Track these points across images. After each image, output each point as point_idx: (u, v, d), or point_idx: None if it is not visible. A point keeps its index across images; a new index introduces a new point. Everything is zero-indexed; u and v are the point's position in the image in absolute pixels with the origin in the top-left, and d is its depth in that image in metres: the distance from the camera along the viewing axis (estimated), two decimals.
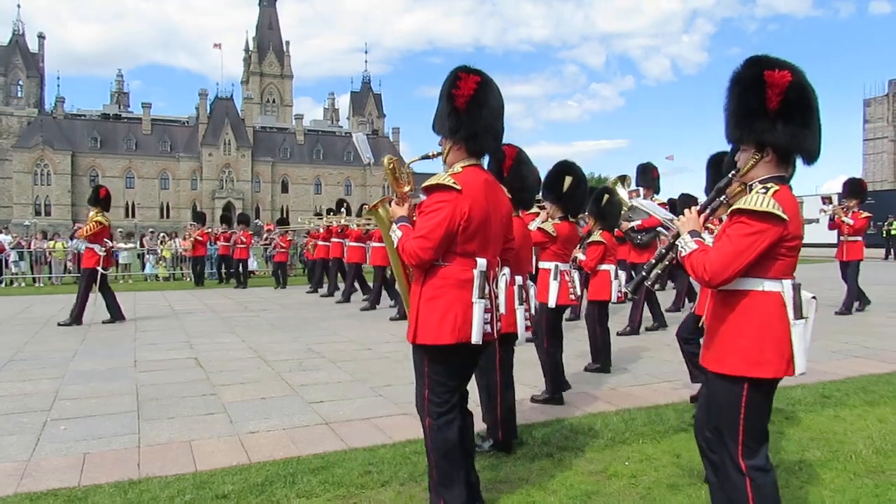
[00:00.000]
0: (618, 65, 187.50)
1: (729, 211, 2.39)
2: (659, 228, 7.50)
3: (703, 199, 3.50)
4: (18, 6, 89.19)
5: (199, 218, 19.32)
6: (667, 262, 2.73)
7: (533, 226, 5.05)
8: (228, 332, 8.80)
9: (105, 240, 9.79)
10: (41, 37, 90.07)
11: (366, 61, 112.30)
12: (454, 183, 2.75)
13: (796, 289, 2.34)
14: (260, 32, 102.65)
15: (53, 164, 78.13)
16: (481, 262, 2.82)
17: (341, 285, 13.44)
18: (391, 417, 4.69)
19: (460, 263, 2.80)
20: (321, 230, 14.77)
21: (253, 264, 20.82)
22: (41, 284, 18.54)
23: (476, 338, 2.76)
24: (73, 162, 79.17)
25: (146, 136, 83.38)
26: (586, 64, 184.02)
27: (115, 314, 9.77)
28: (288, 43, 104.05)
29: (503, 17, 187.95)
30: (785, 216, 2.25)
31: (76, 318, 9.51)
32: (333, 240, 13.69)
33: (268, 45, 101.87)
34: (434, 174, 2.87)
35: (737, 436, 2.34)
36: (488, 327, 2.84)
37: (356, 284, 12.91)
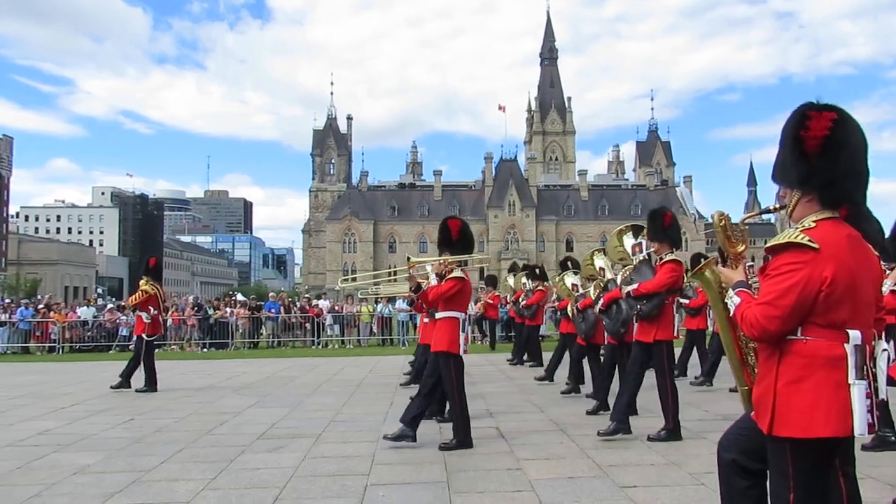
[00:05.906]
0: None
1: None
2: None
3: None
4: (332, 94, 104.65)
5: (490, 281, 20.32)
6: None
7: (885, 289, 4.37)
8: (525, 401, 8.94)
9: (150, 308, 10.70)
10: (349, 118, 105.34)
11: (652, 108, 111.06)
12: (809, 241, 2.41)
13: None
14: (541, 91, 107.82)
15: (359, 232, 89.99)
16: (854, 335, 2.43)
17: None
18: None
19: (827, 337, 2.43)
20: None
21: (542, 328, 21.15)
22: (350, 346, 20.95)
23: (860, 429, 2.37)
24: (375, 230, 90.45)
25: (437, 202, 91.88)
26: None
27: (151, 383, 10.54)
28: (569, 99, 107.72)
29: (813, 39, 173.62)
30: None
31: (149, 384, 10.52)
32: None
33: (549, 103, 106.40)
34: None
35: None
36: (870, 416, 2.42)
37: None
